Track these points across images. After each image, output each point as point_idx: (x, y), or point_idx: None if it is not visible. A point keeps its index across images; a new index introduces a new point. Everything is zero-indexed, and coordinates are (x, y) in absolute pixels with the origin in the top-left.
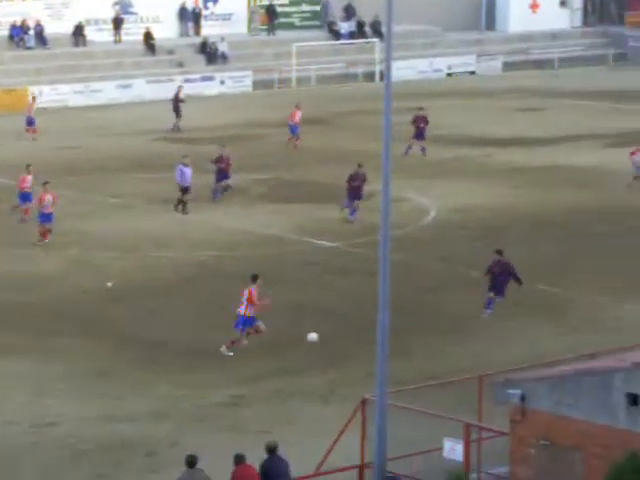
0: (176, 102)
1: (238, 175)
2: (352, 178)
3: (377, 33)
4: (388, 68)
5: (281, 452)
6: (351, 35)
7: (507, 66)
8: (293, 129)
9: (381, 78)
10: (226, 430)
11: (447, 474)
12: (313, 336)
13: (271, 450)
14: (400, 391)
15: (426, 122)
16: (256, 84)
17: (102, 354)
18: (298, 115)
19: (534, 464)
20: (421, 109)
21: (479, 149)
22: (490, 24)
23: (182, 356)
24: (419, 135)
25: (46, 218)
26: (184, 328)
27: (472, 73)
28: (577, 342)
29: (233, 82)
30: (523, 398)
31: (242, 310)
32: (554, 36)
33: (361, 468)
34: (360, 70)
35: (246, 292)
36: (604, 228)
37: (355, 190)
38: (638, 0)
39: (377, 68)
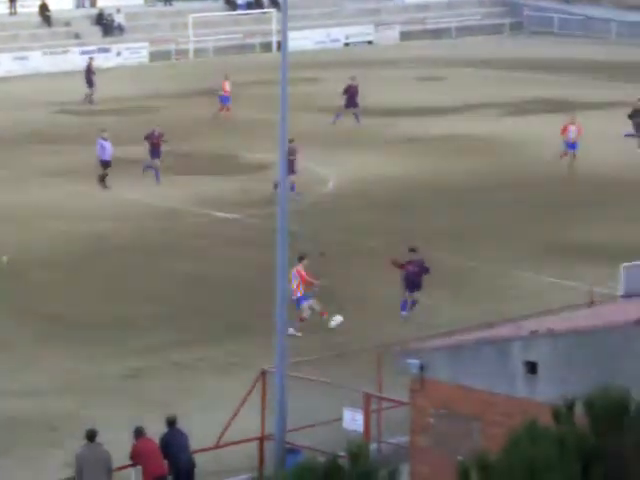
0: (88, 74)
1: (136, 147)
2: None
3: (274, 3)
4: (284, 38)
5: (181, 425)
6: (248, 6)
7: (404, 35)
8: (224, 99)
9: (278, 48)
10: (126, 403)
11: (347, 444)
12: (339, 318)
13: (171, 423)
14: (300, 362)
15: (357, 91)
16: (153, 55)
17: None
18: (227, 85)
19: (434, 433)
20: (353, 78)
21: (378, 119)
22: None
23: (80, 329)
24: (351, 104)
25: None
26: (82, 301)
27: (370, 43)
28: (476, 311)
29: (130, 54)
30: (422, 368)
31: (295, 290)
32: (450, 5)
33: (261, 440)
34: (257, 41)
35: (294, 272)
36: (503, 196)
37: (290, 163)
38: None
39: (274, 38)
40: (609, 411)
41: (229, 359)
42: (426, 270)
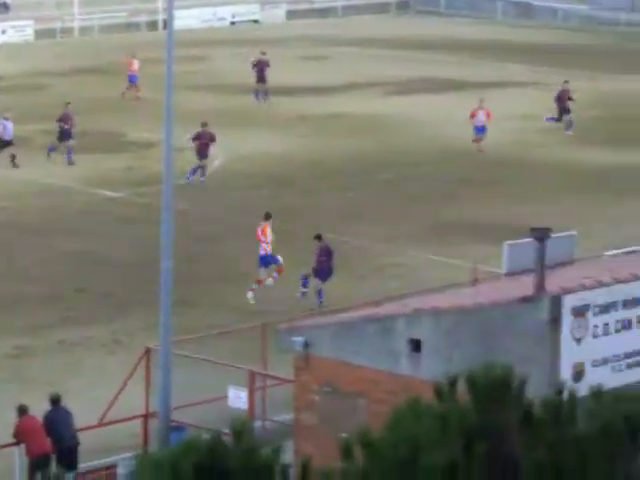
0: None
1: (24, 126)
2: (199, 136)
3: None
4: (170, 16)
5: (65, 403)
6: None
7: (291, 14)
8: (132, 78)
9: (164, 27)
10: (9, 381)
11: (231, 422)
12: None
13: (55, 401)
14: (184, 340)
15: (267, 65)
16: (38, 33)
17: None
18: (135, 64)
19: (318, 411)
20: (264, 53)
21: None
22: None
23: None
24: (261, 79)
25: None
26: None
27: (256, 22)
28: (362, 289)
29: (15, 31)
30: (307, 345)
31: (263, 250)
32: None
33: (145, 417)
34: (143, 19)
35: (259, 230)
36: (388, 176)
37: (202, 148)
38: None
39: (160, 17)
40: (491, 388)
41: (114, 337)
42: (331, 254)
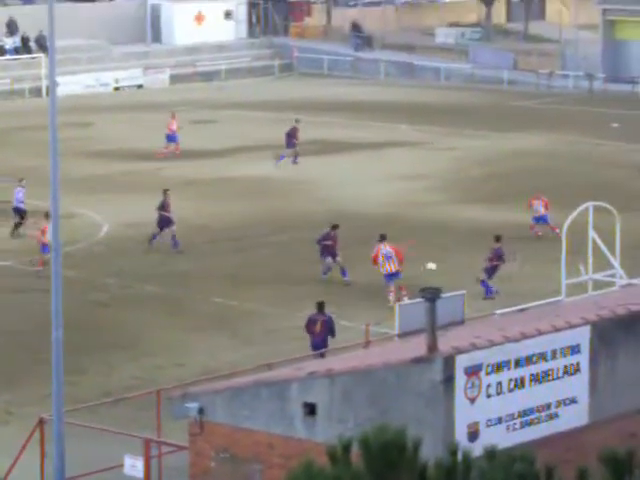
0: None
1: None
2: (163, 206)
3: (42, 48)
4: (52, 83)
5: None
6: (16, 51)
7: (175, 79)
8: (171, 137)
9: (47, 93)
10: None
11: None
12: (432, 265)
13: None
14: (77, 409)
15: (296, 133)
16: None
17: None
18: (175, 123)
19: (215, 477)
20: (297, 121)
21: (150, 163)
22: (156, 37)
23: None
24: (290, 144)
25: None
26: None
27: (140, 87)
28: (255, 353)
29: None
30: (201, 411)
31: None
32: (220, 48)
33: None
34: (27, 86)
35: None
36: (279, 238)
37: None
38: (300, 11)
39: (44, 83)
40: (385, 451)
41: (6, 408)
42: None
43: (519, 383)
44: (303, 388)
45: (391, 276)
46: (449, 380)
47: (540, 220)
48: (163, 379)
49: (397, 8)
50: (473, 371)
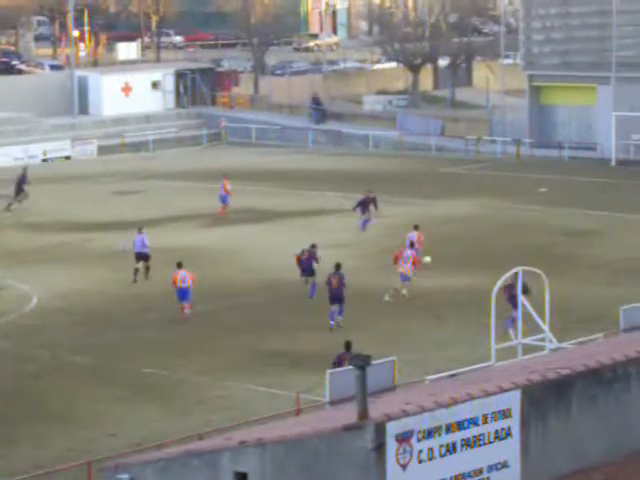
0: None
1: None
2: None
3: None
4: None
5: None
6: None
7: (103, 150)
8: (224, 199)
9: None
10: None
11: None
12: (427, 259)
13: None
14: None
15: (371, 202)
16: None
17: None
18: (228, 185)
19: None
20: (370, 191)
21: (78, 234)
22: (84, 108)
23: None
24: (363, 211)
25: None
26: None
27: (68, 158)
28: (186, 423)
29: None
30: None
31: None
32: (148, 118)
33: None
34: None
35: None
36: (209, 307)
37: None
38: (228, 81)
39: None
40: None
41: None
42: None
43: (451, 448)
44: (234, 457)
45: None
46: (380, 447)
47: None
48: (95, 450)
49: (325, 76)
50: (404, 437)
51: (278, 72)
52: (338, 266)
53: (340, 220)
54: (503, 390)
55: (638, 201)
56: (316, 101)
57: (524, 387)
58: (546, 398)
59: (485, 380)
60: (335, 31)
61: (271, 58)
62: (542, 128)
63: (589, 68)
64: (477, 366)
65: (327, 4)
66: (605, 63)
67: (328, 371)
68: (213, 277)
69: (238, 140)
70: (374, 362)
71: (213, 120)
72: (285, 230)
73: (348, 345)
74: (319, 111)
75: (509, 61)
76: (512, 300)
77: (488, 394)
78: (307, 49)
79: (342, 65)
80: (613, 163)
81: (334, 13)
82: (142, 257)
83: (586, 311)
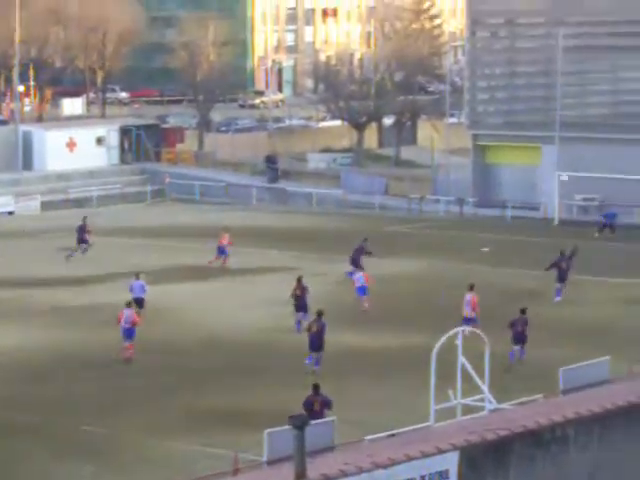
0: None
1: None
2: None
3: None
4: None
5: None
6: None
7: (46, 205)
8: (223, 250)
9: None
10: None
11: None
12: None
13: None
14: None
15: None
16: None
17: None
18: (227, 238)
19: None
20: (365, 240)
21: (20, 290)
22: (28, 164)
23: None
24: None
25: None
26: None
27: (11, 213)
28: None
29: None
30: None
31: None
32: (92, 174)
33: None
34: None
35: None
36: (150, 364)
37: None
38: (173, 137)
39: None
40: None
41: None
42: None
43: None
44: None
45: (467, 320)
46: None
47: None
48: None
49: (270, 134)
50: None
51: (223, 129)
52: (320, 313)
53: (282, 278)
54: (441, 451)
55: (579, 261)
56: (271, 160)
57: (462, 448)
58: (484, 459)
59: (423, 441)
60: (281, 88)
61: (216, 114)
62: (486, 187)
63: (534, 128)
64: (416, 426)
65: (273, 61)
66: (550, 123)
67: (266, 431)
68: (153, 333)
69: (182, 196)
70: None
71: (157, 176)
72: (227, 287)
73: (316, 387)
74: (273, 170)
75: (454, 120)
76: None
77: (426, 455)
78: (253, 106)
79: (287, 122)
80: (556, 223)
81: (280, 70)
82: (138, 302)
83: (526, 371)
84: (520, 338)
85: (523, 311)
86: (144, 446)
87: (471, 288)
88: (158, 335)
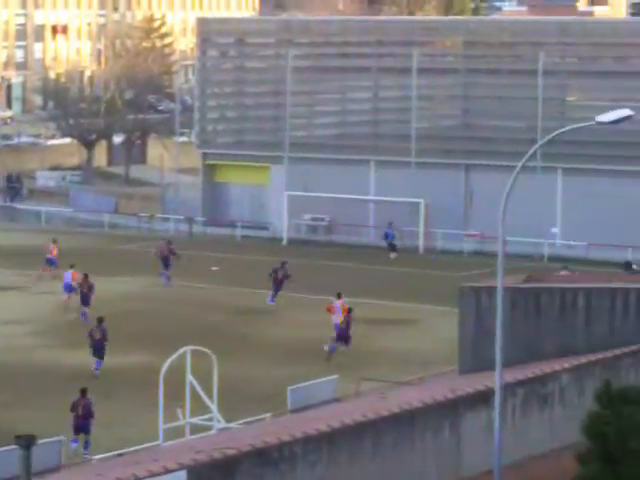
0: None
1: None
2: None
3: None
4: None
5: None
6: None
7: None
8: (52, 261)
9: None
10: None
11: None
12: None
13: None
14: None
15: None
16: None
17: None
18: (55, 249)
19: None
20: (285, 262)
21: None
22: None
23: None
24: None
25: None
26: None
27: None
28: None
29: None
30: None
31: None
32: None
33: None
34: None
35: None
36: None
37: None
38: None
39: None
40: None
41: None
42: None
43: None
44: None
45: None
46: None
47: None
48: None
49: None
50: None
51: None
52: (100, 320)
53: (12, 297)
54: (168, 470)
55: (304, 279)
56: (11, 179)
57: (189, 467)
58: (213, 478)
59: (152, 460)
60: (9, 105)
61: None
62: (216, 206)
63: (263, 147)
64: (144, 445)
65: (2, 77)
66: (278, 143)
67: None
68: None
69: None
70: (40, 441)
71: None
72: None
73: (84, 391)
74: (14, 189)
75: (184, 139)
76: None
77: (154, 474)
78: None
79: (16, 140)
80: (285, 242)
81: (9, 87)
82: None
83: (255, 391)
84: None
85: None
86: None
87: (339, 296)
88: None
